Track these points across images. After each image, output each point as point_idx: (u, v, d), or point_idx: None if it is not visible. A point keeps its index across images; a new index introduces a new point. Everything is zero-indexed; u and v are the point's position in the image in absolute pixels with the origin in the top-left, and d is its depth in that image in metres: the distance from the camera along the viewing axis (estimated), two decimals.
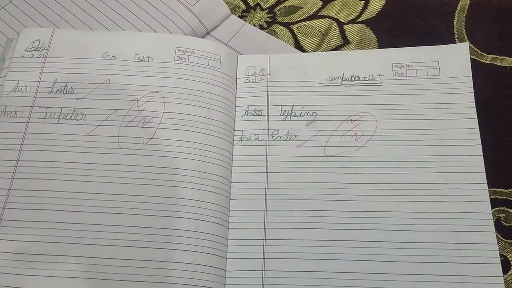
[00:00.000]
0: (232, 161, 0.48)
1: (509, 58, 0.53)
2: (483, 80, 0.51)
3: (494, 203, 0.46)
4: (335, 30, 0.56)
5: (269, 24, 0.57)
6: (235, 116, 0.50)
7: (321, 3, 0.58)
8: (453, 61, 0.51)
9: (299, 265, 0.44)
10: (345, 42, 0.56)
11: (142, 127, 0.48)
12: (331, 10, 0.58)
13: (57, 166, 0.47)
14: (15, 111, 0.49)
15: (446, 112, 0.49)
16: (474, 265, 0.43)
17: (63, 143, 0.47)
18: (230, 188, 0.47)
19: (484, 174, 0.46)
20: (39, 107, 0.49)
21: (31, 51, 0.51)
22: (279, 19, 0.58)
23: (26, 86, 0.50)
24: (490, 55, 0.53)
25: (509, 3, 0.56)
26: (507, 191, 0.47)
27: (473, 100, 0.49)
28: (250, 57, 0.53)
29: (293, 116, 0.50)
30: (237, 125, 0.50)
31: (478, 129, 0.48)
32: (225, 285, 0.44)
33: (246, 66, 0.53)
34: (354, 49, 0.55)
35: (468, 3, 0.56)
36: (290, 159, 0.48)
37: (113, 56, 0.51)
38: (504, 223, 0.46)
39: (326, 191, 0.47)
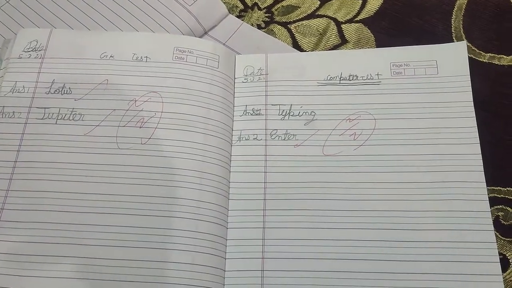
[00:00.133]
0: (230, 161, 0.48)
1: (507, 57, 0.53)
2: (481, 79, 0.51)
3: (493, 201, 0.46)
4: (333, 30, 0.56)
5: (267, 23, 0.57)
6: (233, 116, 0.50)
7: (318, 2, 0.58)
8: (451, 60, 0.51)
9: (298, 265, 0.44)
10: (343, 41, 0.56)
11: (140, 127, 0.48)
12: (329, 10, 0.58)
13: (56, 167, 0.46)
14: (13, 112, 0.48)
15: (445, 111, 0.49)
16: (473, 263, 0.43)
17: (61, 143, 0.47)
18: (229, 188, 0.47)
19: (483, 172, 0.46)
20: (37, 107, 0.49)
21: (29, 51, 0.51)
22: (277, 18, 0.58)
23: (24, 87, 0.49)
24: (488, 54, 0.53)
25: (507, 2, 0.56)
26: (505, 189, 0.47)
27: (471, 99, 0.49)
28: (248, 56, 0.53)
29: (291, 115, 0.50)
30: (235, 125, 0.50)
31: (476, 127, 0.48)
32: (224, 285, 0.44)
33: (244, 66, 0.53)
34: (352, 49, 0.55)
35: (466, 2, 0.56)
36: (289, 159, 0.48)
37: (111, 56, 0.51)
38: (503, 222, 0.46)
39: (325, 190, 0.47)
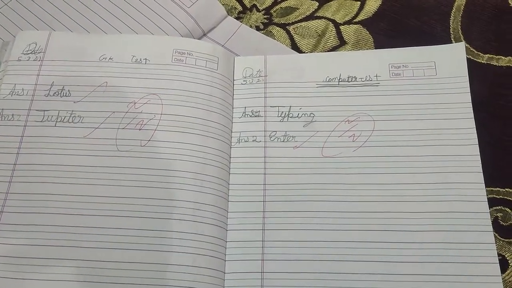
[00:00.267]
0: (230, 162, 0.48)
1: (505, 58, 0.53)
2: (480, 80, 0.51)
3: (492, 202, 0.46)
4: (331, 31, 0.56)
5: (266, 25, 0.57)
6: (232, 118, 0.50)
7: (317, 4, 0.58)
8: (450, 61, 0.51)
9: (298, 267, 0.44)
10: (341, 42, 0.56)
11: (140, 129, 0.48)
12: (328, 11, 0.58)
13: (55, 169, 0.46)
14: (12, 115, 0.48)
15: (443, 112, 0.49)
16: (472, 264, 0.43)
17: (60, 146, 0.47)
18: (228, 189, 0.47)
19: (481, 173, 0.46)
20: (36, 110, 0.49)
21: (28, 54, 0.51)
22: (276, 20, 0.58)
23: (23, 89, 0.49)
24: (486, 55, 0.53)
25: (505, 3, 0.56)
26: (504, 190, 0.47)
27: (470, 100, 0.49)
28: (247, 58, 0.53)
29: (290, 117, 0.50)
30: (234, 127, 0.50)
31: (475, 128, 0.48)
32: (224, 287, 0.44)
33: (243, 68, 0.53)
34: (350, 50, 0.55)
35: (464, 3, 0.56)
36: (288, 160, 0.48)
37: (110, 58, 0.51)
38: (501, 223, 0.46)
39: (324, 192, 0.47)
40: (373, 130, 0.49)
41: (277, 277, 0.44)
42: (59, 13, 0.57)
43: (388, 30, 0.56)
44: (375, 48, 0.55)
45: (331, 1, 0.58)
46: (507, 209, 0.47)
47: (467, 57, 0.51)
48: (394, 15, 0.56)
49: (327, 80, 0.51)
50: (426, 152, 0.47)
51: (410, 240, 0.44)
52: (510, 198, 0.47)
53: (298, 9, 0.58)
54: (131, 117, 0.48)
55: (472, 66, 0.51)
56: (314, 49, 0.55)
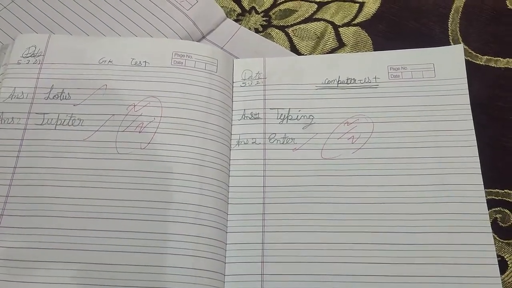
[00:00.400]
0: (229, 165, 0.48)
1: (504, 59, 0.53)
2: (478, 82, 0.51)
3: (491, 203, 0.46)
4: (330, 33, 0.56)
5: (265, 27, 0.57)
6: (232, 120, 0.50)
7: (316, 6, 0.58)
8: (448, 63, 0.51)
9: (298, 269, 0.44)
10: (340, 44, 0.56)
11: (139, 132, 0.48)
12: (326, 13, 0.58)
13: (55, 172, 0.46)
14: (12, 118, 0.48)
15: (442, 113, 0.49)
16: (471, 266, 0.43)
17: (60, 149, 0.47)
18: (228, 192, 0.47)
19: (480, 175, 0.46)
20: (36, 113, 0.49)
21: (27, 57, 0.51)
22: (275, 22, 0.58)
23: (22, 93, 0.49)
24: (485, 57, 0.53)
25: (503, 5, 0.56)
26: (503, 191, 0.47)
27: (468, 102, 0.49)
28: (246, 60, 0.53)
29: (289, 119, 0.50)
30: (234, 129, 0.50)
31: (474, 130, 0.48)
32: None
33: (242, 70, 0.53)
34: (349, 52, 0.55)
35: (462, 5, 0.57)
36: (288, 163, 0.48)
37: (109, 61, 0.51)
38: (500, 224, 0.46)
39: (323, 194, 0.47)
40: (372, 132, 0.49)
41: (277, 279, 0.44)
42: (58, 16, 0.57)
43: (387, 32, 0.56)
44: (374, 50, 0.55)
45: (330, 3, 0.58)
46: (506, 210, 0.47)
47: (465, 59, 0.51)
48: (392, 17, 0.57)
49: (326, 82, 0.51)
50: (425, 154, 0.48)
51: (409, 241, 0.44)
52: (509, 200, 0.47)
53: (297, 11, 0.58)
54: (130, 119, 0.48)
55: (471, 67, 0.52)
56: (313, 51, 0.55)
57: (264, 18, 0.58)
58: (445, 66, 0.51)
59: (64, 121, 0.48)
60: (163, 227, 0.45)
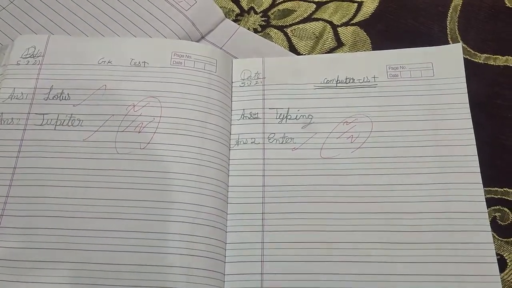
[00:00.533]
0: (229, 164, 0.49)
1: (502, 57, 0.53)
2: (477, 80, 0.51)
3: (490, 202, 0.47)
4: (329, 33, 0.56)
5: (263, 27, 0.57)
6: (231, 120, 0.50)
7: (314, 6, 0.58)
8: (447, 61, 0.51)
9: (297, 268, 0.45)
10: (339, 44, 0.56)
11: (139, 132, 0.48)
12: (325, 13, 0.58)
13: (55, 173, 0.47)
14: (12, 118, 0.49)
15: (441, 112, 0.49)
16: (470, 264, 0.43)
17: (60, 149, 0.47)
18: (228, 191, 0.48)
19: (479, 173, 0.46)
20: (35, 113, 0.49)
21: (27, 58, 0.51)
22: (273, 22, 0.58)
23: (22, 93, 0.50)
24: (483, 55, 0.54)
25: (501, 3, 0.56)
26: (502, 190, 0.47)
27: (467, 100, 0.49)
28: (245, 60, 0.54)
29: (288, 119, 0.50)
30: (233, 129, 0.50)
31: (473, 128, 0.48)
32: None
33: (241, 70, 0.53)
34: (348, 51, 0.55)
35: (461, 3, 0.57)
36: (287, 162, 0.48)
37: (109, 61, 0.51)
38: (500, 222, 0.46)
39: (323, 193, 0.47)
40: (371, 131, 0.49)
41: (276, 278, 0.44)
42: (57, 17, 0.57)
43: (385, 31, 0.56)
44: (373, 49, 0.55)
45: (328, 3, 0.58)
46: (505, 209, 0.47)
47: (464, 57, 0.52)
48: (391, 16, 0.57)
49: (325, 81, 0.51)
50: (424, 153, 0.48)
51: (408, 240, 0.45)
52: (508, 198, 0.47)
53: (295, 11, 0.58)
54: (130, 120, 0.49)
55: (469, 66, 0.52)
56: (311, 51, 0.56)
57: (262, 18, 0.58)
58: (444, 65, 0.51)
59: (63, 121, 0.49)
60: (163, 226, 0.45)
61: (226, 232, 0.46)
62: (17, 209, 0.45)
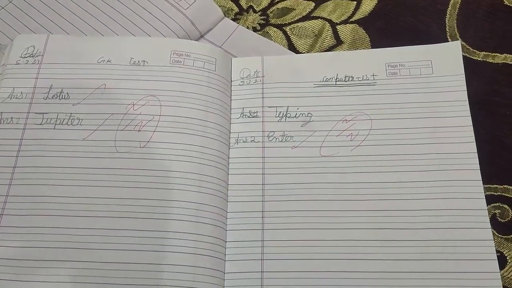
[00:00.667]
0: (228, 163, 0.49)
1: (501, 55, 0.53)
2: (476, 77, 0.51)
3: (490, 199, 0.47)
4: (328, 31, 0.57)
5: (262, 26, 0.58)
6: (230, 119, 0.50)
7: (313, 4, 0.58)
8: (446, 59, 0.51)
9: (298, 266, 0.45)
10: (338, 42, 0.56)
11: (139, 131, 0.48)
12: (324, 11, 0.58)
13: (55, 172, 0.47)
14: (11, 118, 0.49)
15: (440, 110, 0.49)
16: (470, 261, 0.43)
17: (60, 148, 0.48)
18: (227, 190, 0.48)
19: (479, 171, 0.46)
20: (35, 113, 0.49)
21: (26, 57, 0.51)
22: (272, 21, 0.58)
23: (21, 93, 0.50)
24: (482, 52, 0.54)
25: (499, 0, 0.56)
26: (502, 187, 0.48)
27: (466, 98, 0.49)
28: (244, 59, 0.54)
29: (288, 117, 0.50)
30: (233, 127, 0.50)
31: (472, 126, 0.48)
32: (224, 287, 0.44)
33: (240, 69, 0.53)
34: (347, 49, 0.55)
35: (460, 1, 0.57)
36: (286, 160, 0.48)
37: (108, 60, 0.51)
38: (499, 219, 0.46)
39: (322, 191, 0.47)
40: (370, 129, 0.49)
41: (276, 276, 0.44)
42: (56, 16, 0.57)
43: (385, 29, 0.56)
44: (372, 47, 0.55)
45: (327, 1, 0.58)
46: (505, 206, 0.47)
47: (463, 55, 0.52)
48: (390, 14, 0.57)
49: (324, 80, 0.51)
50: (424, 150, 0.48)
51: (408, 237, 0.45)
52: (508, 195, 0.47)
53: (294, 9, 0.58)
54: (130, 118, 0.49)
55: (468, 63, 0.52)
56: (311, 49, 0.56)
57: (261, 17, 0.58)
58: (443, 62, 0.51)
59: (63, 120, 0.49)
60: (163, 225, 0.45)
61: (226, 230, 0.46)
62: (17, 208, 0.45)
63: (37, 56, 0.51)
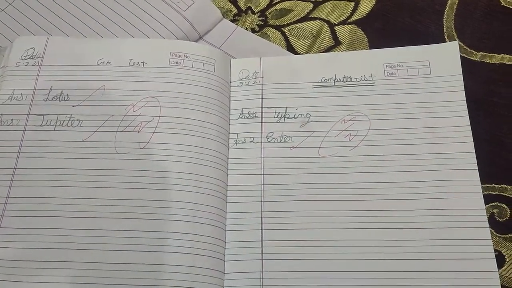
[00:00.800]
0: (227, 164, 0.49)
1: (498, 55, 0.53)
2: (473, 78, 0.52)
3: (488, 199, 0.47)
4: (326, 32, 0.57)
5: (261, 27, 0.58)
6: (229, 119, 0.51)
7: (311, 5, 0.59)
8: (444, 60, 0.51)
9: (297, 266, 0.45)
10: (336, 43, 0.56)
11: (138, 132, 0.48)
12: (322, 12, 0.58)
13: (55, 173, 0.47)
14: (12, 119, 0.49)
15: (438, 110, 0.49)
16: (469, 261, 0.44)
17: (60, 149, 0.48)
18: (227, 190, 0.48)
19: (477, 170, 0.47)
20: (35, 114, 0.49)
21: (26, 59, 0.51)
22: (271, 22, 0.58)
23: (21, 94, 0.50)
24: (480, 53, 0.54)
25: (496, 1, 0.56)
26: (500, 186, 0.48)
27: (464, 98, 0.49)
28: (243, 60, 0.54)
29: (287, 118, 0.50)
30: (232, 128, 0.50)
31: (470, 126, 0.48)
32: (223, 287, 0.44)
33: (239, 70, 0.53)
34: (345, 50, 0.55)
35: (457, 1, 0.57)
36: (285, 161, 0.49)
37: (108, 62, 0.51)
38: (498, 219, 0.47)
39: (321, 192, 0.47)
40: (369, 130, 0.49)
41: (276, 276, 0.45)
42: (56, 18, 0.57)
43: (383, 30, 0.56)
44: (370, 48, 0.55)
45: (325, 2, 0.59)
46: (503, 205, 0.47)
47: (460, 55, 0.52)
48: (388, 14, 0.57)
49: (323, 80, 0.52)
50: (422, 150, 0.48)
51: (407, 237, 0.45)
52: (506, 194, 0.47)
53: (293, 10, 0.58)
54: (129, 120, 0.49)
55: (466, 64, 0.52)
56: (309, 50, 0.56)
57: (260, 18, 0.58)
58: (441, 63, 0.51)
59: (63, 122, 0.49)
60: (163, 225, 0.45)
61: (225, 230, 0.46)
62: (18, 210, 0.46)
63: (37, 58, 0.51)
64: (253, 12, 0.59)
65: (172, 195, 0.46)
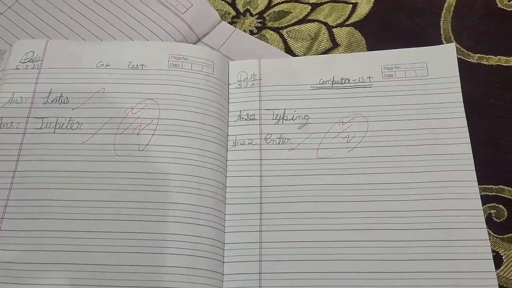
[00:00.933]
0: (226, 165, 0.49)
1: (495, 57, 0.53)
2: (470, 79, 0.52)
3: (485, 199, 0.47)
4: (324, 34, 0.57)
5: (259, 29, 0.58)
6: (228, 121, 0.51)
7: (309, 7, 0.59)
8: (441, 61, 0.52)
9: (295, 267, 0.45)
10: (334, 45, 0.56)
11: (138, 134, 0.48)
12: (320, 14, 0.58)
13: (54, 176, 0.47)
14: (11, 122, 0.49)
15: (435, 111, 0.49)
16: (466, 261, 0.44)
17: (59, 152, 0.48)
18: (225, 192, 0.48)
19: (474, 171, 0.47)
20: (35, 117, 0.49)
21: (26, 62, 0.51)
22: (269, 24, 0.58)
23: (21, 97, 0.50)
24: (477, 55, 0.54)
25: (493, 3, 0.56)
26: (497, 187, 0.48)
27: (461, 100, 0.49)
28: (242, 62, 0.54)
29: (285, 119, 0.50)
30: (230, 130, 0.50)
31: (467, 127, 0.48)
32: None
33: (237, 72, 0.53)
34: (343, 52, 0.55)
35: (454, 3, 0.57)
36: (284, 162, 0.49)
37: (107, 65, 0.51)
38: (495, 219, 0.47)
39: (320, 193, 0.47)
40: (367, 131, 0.49)
41: (275, 277, 0.45)
42: (55, 21, 0.57)
43: (380, 32, 0.56)
44: (368, 50, 0.55)
45: (323, 4, 0.59)
46: (500, 206, 0.47)
47: (457, 57, 0.52)
48: (385, 17, 0.57)
49: (321, 82, 0.52)
50: (420, 152, 0.48)
51: (404, 238, 0.45)
52: (503, 195, 0.47)
53: (291, 13, 0.59)
54: (128, 122, 0.49)
55: (463, 66, 0.52)
56: (307, 52, 0.56)
57: (258, 20, 0.58)
58: (438, 64, 0.51)
59: (62, 124, 0.49)
60: (162, 227, 0.45)
61: (224, 232, 0.46)
62: (18, 212, 0.46)
63: (37, 61, 0.51)
64: (251, 14, 0.59)
65: (171, 197, 0.46)
